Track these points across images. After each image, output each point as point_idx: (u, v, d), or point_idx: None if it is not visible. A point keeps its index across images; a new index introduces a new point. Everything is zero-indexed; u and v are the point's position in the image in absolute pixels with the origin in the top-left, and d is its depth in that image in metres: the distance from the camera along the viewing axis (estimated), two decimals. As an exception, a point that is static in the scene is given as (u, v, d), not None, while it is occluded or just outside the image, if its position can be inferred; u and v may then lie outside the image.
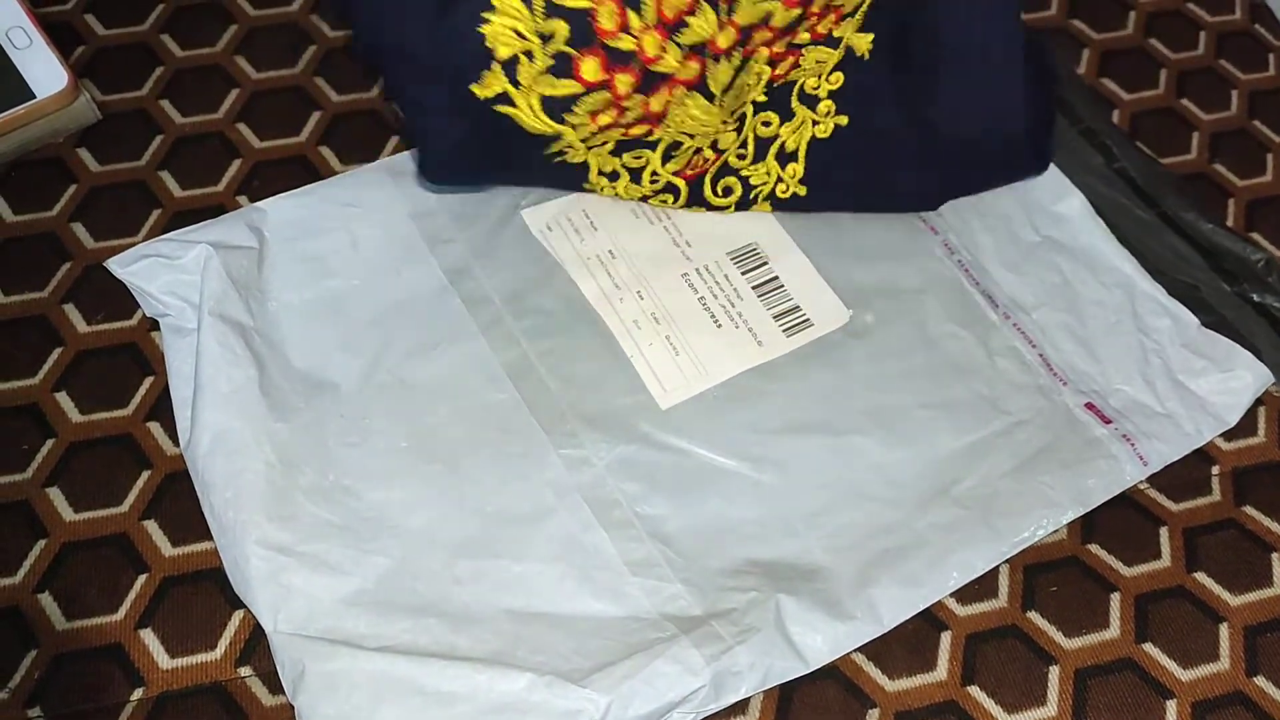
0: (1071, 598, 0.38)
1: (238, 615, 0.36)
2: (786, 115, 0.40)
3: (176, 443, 0.38)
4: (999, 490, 0.38)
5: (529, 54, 0.34)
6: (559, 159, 0.38)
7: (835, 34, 0.39)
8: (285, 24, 0.48)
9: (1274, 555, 0.39)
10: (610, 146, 0.39)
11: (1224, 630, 0.38)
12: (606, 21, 0.34)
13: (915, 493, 0.38)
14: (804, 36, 0.39)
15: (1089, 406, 0.40)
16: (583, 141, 0.37)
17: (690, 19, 0.35)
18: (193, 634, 0.35)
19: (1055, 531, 0.38)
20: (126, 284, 0.39)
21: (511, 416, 0.39)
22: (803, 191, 0.42)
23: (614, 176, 0.40)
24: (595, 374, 0.40)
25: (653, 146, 0.39)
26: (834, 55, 0.39)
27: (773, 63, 0.39)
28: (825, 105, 0.40)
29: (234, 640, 0.35)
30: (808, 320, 0.41)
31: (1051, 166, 0.45)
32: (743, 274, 0.42)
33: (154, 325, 0.40)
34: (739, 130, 0.40)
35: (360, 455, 0.37)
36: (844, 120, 0.41)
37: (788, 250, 0.42)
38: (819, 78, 0.40)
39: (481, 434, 0.38)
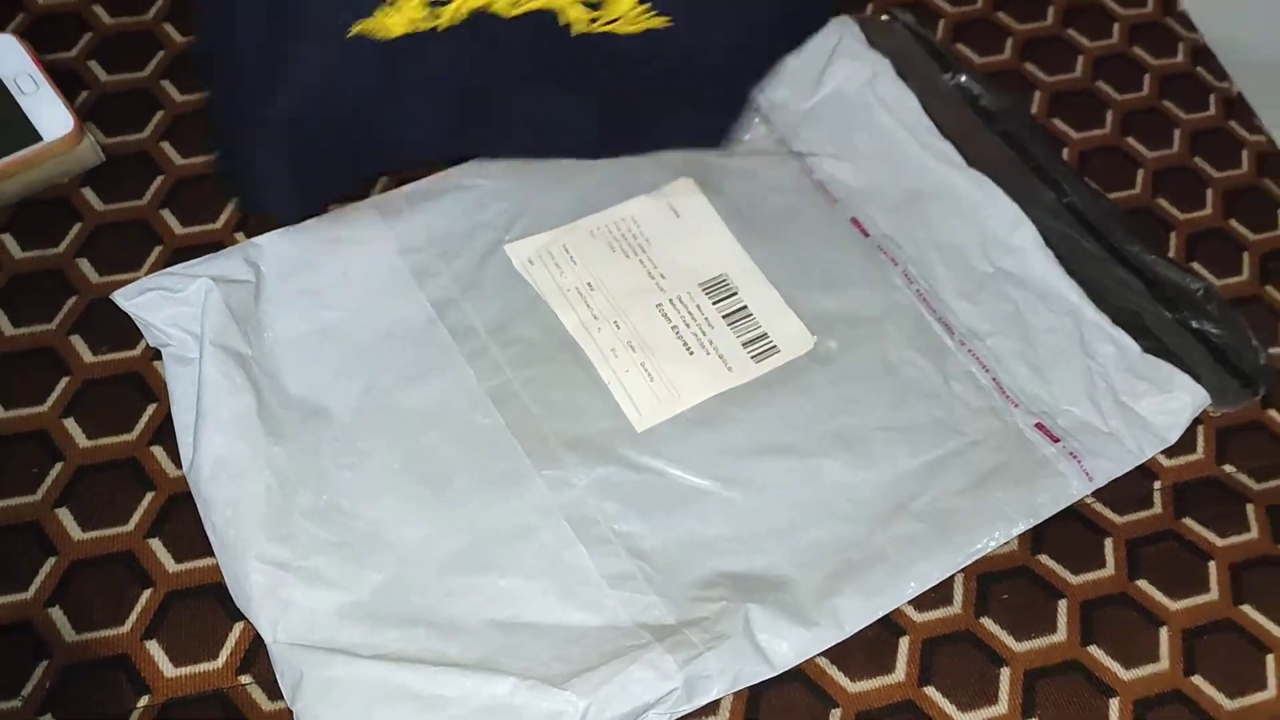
0: (1022, 604, 0.40)
1: (238, 627, 0.38)
2: None
3: (179, 466, 0.40)
4: (954, 506, 0.40)
5: None
6: None
7: None
8: (279, 70, 0.50)
9: (1211, 563, 0.41)
10: None
11: (1164, 633, 0.40)
12: None
13: (876, 509, 0.40)
14: None
15: (1039, 427, 0.42)
16: None
17: None
18: (195, 645, 0.37)
19: (1007, 543, 0.40)
20: (131, 316, 0.41)
21: (497, 440, 0.40)
22: None
23: None
24: (575, 399, 0.41)
25: None
26: None
27: None
28: None
29: (235, 650, 0.37)
30: (775, 347, 0.43)
31: (1006, 201, 0.46)
32: (713, 304, 0.44)
33: (156, 355, 0.42)
34: None
35: (354, 477, 0.39)
36: None
37: (756, 281, 0.45)
38: None
39: (468, 457, 0.40)
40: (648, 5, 0.40)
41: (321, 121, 0.40)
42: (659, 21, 0.40)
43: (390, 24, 0.38)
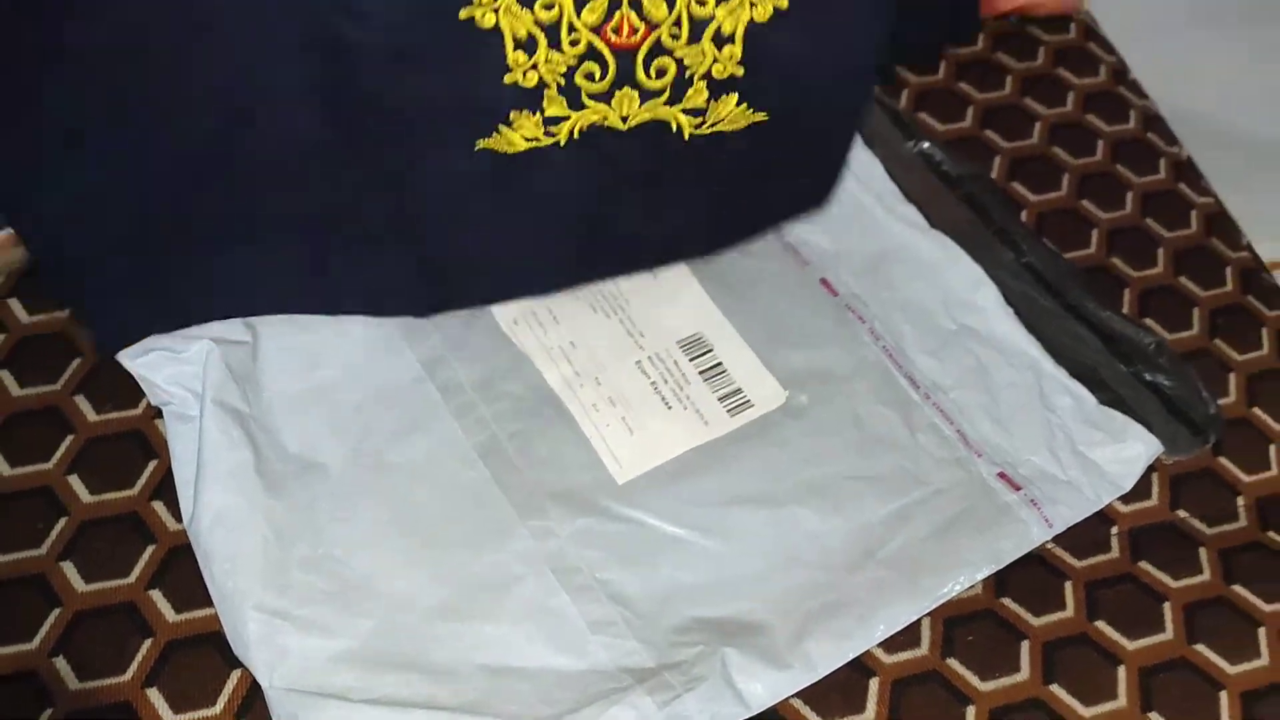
0: (986, 645, 0.41)
1: (236, 674, 0.39)
2: None
3: (179, 519, 0.41)
4: (921, 552, 0.42)
5: None
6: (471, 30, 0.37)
7: None
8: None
9: (1166, 605, 0.43)
10: None
11: (1121, 672, 0.41)
12: None
13: (846, 556, 0.41)
14: None
15: (1001, 476, 0.44)
16: None
17: None
18: (195, 692, 0.38)
19: (971, 587, 0.42)
20: (134, 375, 0.42)
21: (483, 493, 0.42)
22: (740, 72, 0.41)
23: (531, 46, 0.38)
24: (559, 453, 0.43)
25: None
26: None
27: None
28: None
29: (233, 696, 0.38)
30: (749, 402, 0.45)
31: (968, 261, 0.49)
32: (690, 360, 0.46)
33: (157, 413, 0.43)
34: (669, 3, 0.38)
35: (348, 529, 0.41)
36: (784, 4, 0.39)
37: (730, 339, 0.47)
38: None
39: (457, 509, 0.42)
40: (746, 105, 0.42)
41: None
42: (759, 117, 0.42)
43: (513, 139, 0.40)
